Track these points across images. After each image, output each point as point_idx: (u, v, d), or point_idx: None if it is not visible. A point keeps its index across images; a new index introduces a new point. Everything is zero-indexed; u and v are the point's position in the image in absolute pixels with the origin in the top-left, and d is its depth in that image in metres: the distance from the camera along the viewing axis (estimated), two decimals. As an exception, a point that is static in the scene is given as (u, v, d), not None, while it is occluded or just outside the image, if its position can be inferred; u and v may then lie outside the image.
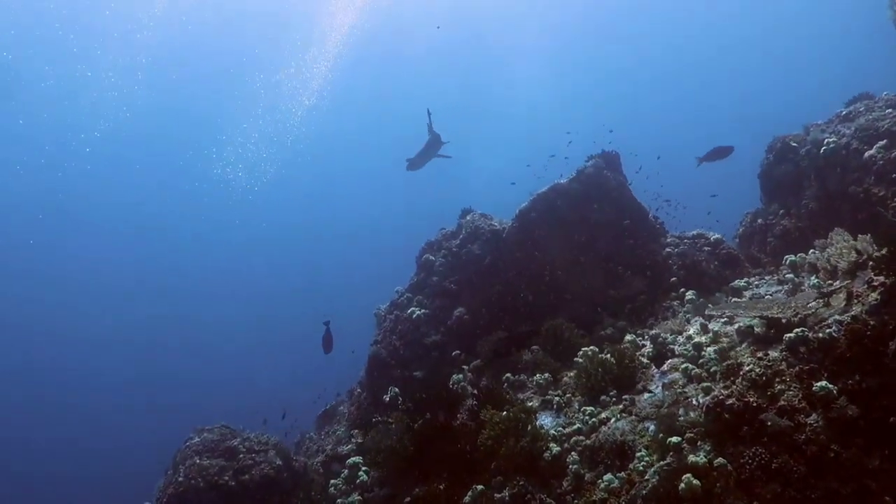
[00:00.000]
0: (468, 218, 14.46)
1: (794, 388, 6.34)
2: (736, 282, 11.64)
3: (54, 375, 52.93)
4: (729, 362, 7.05)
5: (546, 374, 9.76)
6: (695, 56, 66.88)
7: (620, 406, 8.08)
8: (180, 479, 11.21)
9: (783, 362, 6.70)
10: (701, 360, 7.95)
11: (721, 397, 6.46)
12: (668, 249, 13.22)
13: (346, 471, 10.40)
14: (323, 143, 62.23)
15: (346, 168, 68.16)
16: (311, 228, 68.06)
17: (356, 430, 12.38)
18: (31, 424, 47.29)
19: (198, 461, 11.55)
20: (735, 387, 6.53)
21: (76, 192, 61.25)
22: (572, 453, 7.69)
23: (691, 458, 6.24)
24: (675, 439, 6.48)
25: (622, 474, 6.83)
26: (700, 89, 70.74)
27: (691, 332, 9.58)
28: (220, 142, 50.99)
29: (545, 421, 8.80)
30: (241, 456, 11.86)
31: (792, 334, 6.86)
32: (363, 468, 10.19)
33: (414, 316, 13.38)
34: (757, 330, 7.95)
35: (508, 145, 67.03)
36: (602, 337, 11.41)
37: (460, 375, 11.52)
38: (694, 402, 7.17)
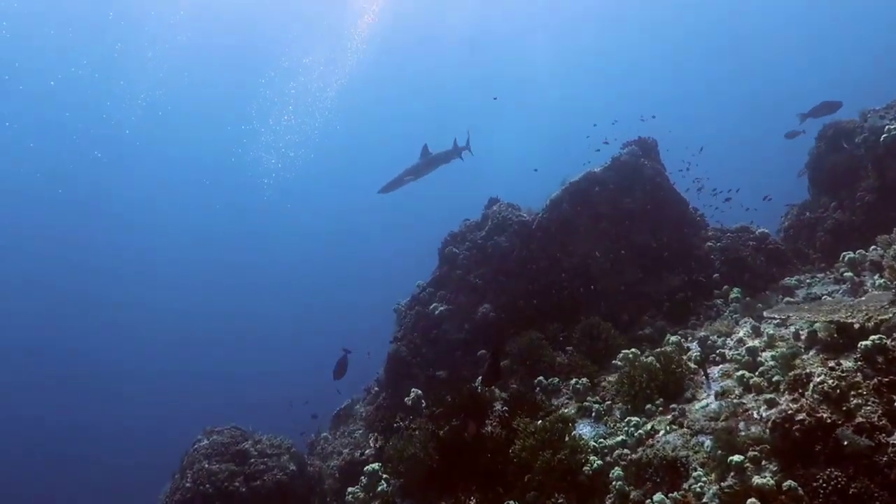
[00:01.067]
0: (495, 208, 13.94)
1: (873, 402, 5.80)
2: (786, 280, 11.08)
3: (74, 363, 52.91)
4: (796, 372, 6.49)
5: (583, 379, 9.23)
6: (723, 41, 65.47)
7: (669, 417, 7.55)
8: (188, 484, 10.83)
9: (858, 373, 6.15)
10: (761, 368, 7.39)
11: (790, 412, 5.92)
12: (709, 243, 12.67)
13: (364, 478, 9.94)
14: (350, 129, 62.42)
15: (369, 158, 67.82)
16: (333, 220, 68.04)
17: (375, 434, 11.93)
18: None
19: (206, 466, 11.16)
20: (805, 400, 5.99)
21: (104, 184, 61.55)
22: (616, 468, 7.17)
23: (756, 479, 5.72)
24: (736, 458, 5.96)
25: (675, 494, 6.31)
26: (725, 77, 69.58)
27: (741, 334, 9.06)
28: (250, 132, 51.31)
29: (584, 430, 8.29)
30: (253, 460, 11.46)
31: (868, 342, 6.31)
32: (384, 476, 9.74)
33: (436, 312, 12.90)
34: (821, 335, 7.41)
35: (531, 135, 66.60)
36: (640, 337, 10.93)
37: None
38: (755, 415, 6.63)
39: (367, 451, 11.77)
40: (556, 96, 65.03)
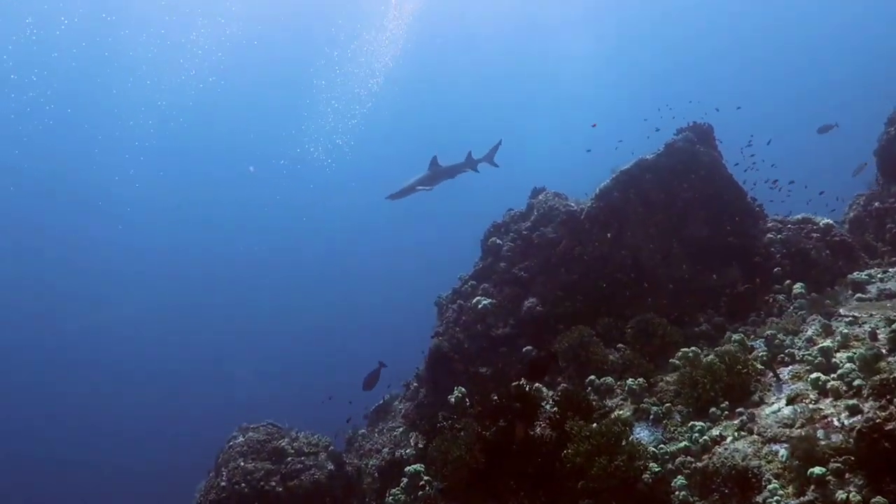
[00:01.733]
0: (540, 197, 13.55)
1: (973, 411, 5.34)
2: (855, 274, 10.49)
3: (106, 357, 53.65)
4: (882, 376, 6.03)
5: (640, 379, 8.82)
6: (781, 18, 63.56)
7: (736, 422, 7.12)
8: (223, 483, 10.67)
9: (955, 379, 5.69)
10: (839, 371, 6.91)
11: (878, 420, 5.47)
12: (769, 235, 12.14)
13: (405, 479, 9.66)
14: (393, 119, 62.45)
15: (410, 149, 67.81)
16: (368, 212, 68.03)
17: (416, 433, 11.64)
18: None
19: (242, 464, 10.99)
20: (894, 408, 5.54)
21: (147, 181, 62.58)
22: (679, 476, 6.78)
23: (840, 494, 5.31)
24: (817, 470, 5.53)
25: (747, 508, 5.92)
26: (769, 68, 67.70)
27: (810, 332, 8.55)
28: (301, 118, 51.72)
29: (641, 434, 7.90)
30: (290, 459, 11.26)
31: (963, 344, 5.83)
32: (425, 478, 9.45)
33: (479, 306, 12.57)
34: (905, 335, 6.92)
35: (568, 124, 65.74)
36: (696, 334, 10.50)
37: (533, 375, 10.71)
38: (835, 422, 6.18)
39: (408, 451, 11.48)
40: (592, 89, 63.84)
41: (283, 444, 11.69)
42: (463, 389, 10.47)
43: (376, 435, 15.66)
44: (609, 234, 12.13)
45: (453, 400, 10.39)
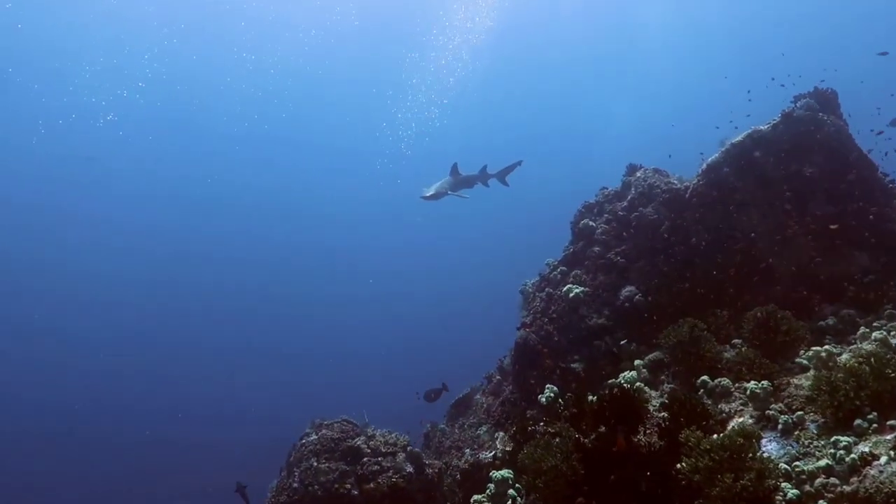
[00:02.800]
0: (638, 175, 12.59)
1: None
2: None
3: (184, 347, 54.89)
4: None
5: (764, 382, 7.86)
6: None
7: (890, 438, 6.15)
8: (295, 484, 10.23)
9: None
10: None
11: None
12: (905, 215, 10.91)
13: (491, 485, 8.99)
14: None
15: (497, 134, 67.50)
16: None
17: (503, 434, 10.97)
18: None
19: (315, 464, 10.51)
20: None
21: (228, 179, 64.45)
22: (821, 503, 5.88)
23: None
24: None
25: (915, 548, 4.99)
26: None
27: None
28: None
29: (769, 448, 6.98)
30: (366, 460, 10.73)
31: None
32: (515, 486, 8.76)
33: (571, 295, 11.75)
34: None
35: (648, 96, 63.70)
36: (821, 329, 9.46)
37: (633, 373, 9.87)
38: None
39: (492, 454, 10.81)
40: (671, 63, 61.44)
41: (359, 442, 11.18)
42: (555, 389, 9.73)
43: (457, 431, 15.10)
44: (718, 215, 11.12)
45: (544, 400, 9.66)
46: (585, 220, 12.77)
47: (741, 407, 8.02)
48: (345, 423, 11.81)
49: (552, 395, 9.53)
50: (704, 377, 8.61)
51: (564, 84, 64.78)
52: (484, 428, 13.03)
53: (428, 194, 16.92)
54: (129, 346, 51.93)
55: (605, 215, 12.63)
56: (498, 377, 15.25)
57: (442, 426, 15.68)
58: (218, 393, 48.70)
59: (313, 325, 57.73)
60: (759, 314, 9.15)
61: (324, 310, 59.63)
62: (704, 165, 11.62)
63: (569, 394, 9.68)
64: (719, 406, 8.20)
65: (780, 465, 6.45)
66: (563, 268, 12.69)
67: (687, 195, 11.68)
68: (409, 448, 11.56)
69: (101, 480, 39.52)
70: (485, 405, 15.01)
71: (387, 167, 58.08)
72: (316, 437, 11.32)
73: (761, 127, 11.45)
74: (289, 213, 67.70)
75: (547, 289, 12.54)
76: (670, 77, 61.36)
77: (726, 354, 9.07)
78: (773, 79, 14.06)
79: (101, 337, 52.81)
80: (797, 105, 11.64)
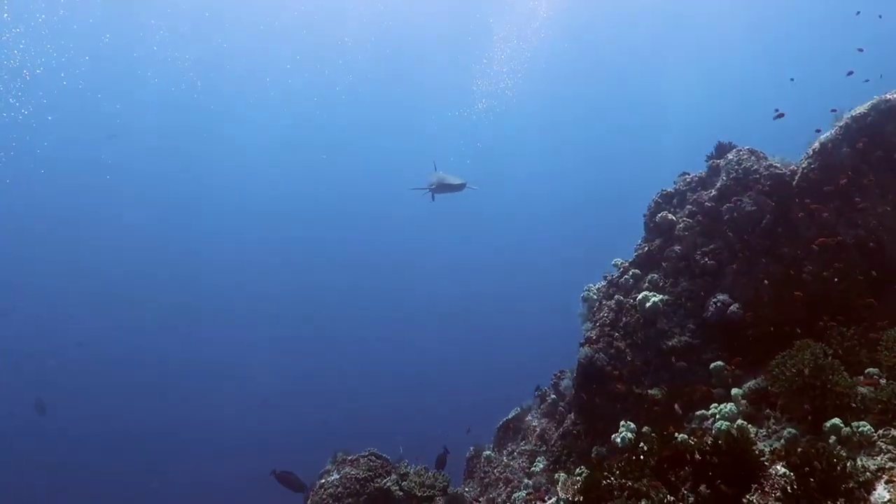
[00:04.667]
0: (730, 156, 10.80)
1: None
2: None
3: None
4: None
5: (925, 431, 6.14)
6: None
7: None
8: (311, 539, 8.71)
9: None
10: None
11: None
12: None
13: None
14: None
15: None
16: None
17: (563, 476, 9.34)
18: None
19: (336, 513, 9.00)
20: None
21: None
22: None
23: None
24: None
25: None
26: None
27: None
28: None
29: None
30: (398, 506, 9.19)
31: None
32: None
33: (647, 304, 10.08)
34: None
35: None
36: (977, 351, 7.68)
37: (731, 406, 8.19)
38: None
39: (551, 502, 9.20)
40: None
41: (389, 483, 9.71)
42: (632, 427, 8.12)
43: (505, 458, 13.61)
44: (836, 205, 9.35)
45: (620, 442, 8.06)
46: (664, 213, 11.05)
47: (891, 464, 6.31)
48: (372, 457, 10.33)
49: (630, 435, 7.92)
50: (835, 420, 6.90)
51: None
52: (540, 461, 11.43)
53: (432, 186, 18.40)
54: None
55: (688, 206, 10.90)
56: (553, 395, 13.69)
57: (488, 452, 14.16)
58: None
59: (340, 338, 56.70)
60: (901, 334, 7.40)
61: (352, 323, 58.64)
62: (817, 144, 9.84)
63: (652, 433, 8.06)
64: (859, 461, 6.49)
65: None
66: (636, 270, 11.01)
67: (794, 182, 9.91)
68: (448, 489, 10.04)
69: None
70: (538, 429, 13.50)
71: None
72: (338, 476, 9.85)
73: (889, 95, 9.62)
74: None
75: (616, 296, 10.89)
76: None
77: (862, 389, 7.33)
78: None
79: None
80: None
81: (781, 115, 12.55)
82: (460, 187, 18.04)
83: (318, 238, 66.43)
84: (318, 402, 47.14)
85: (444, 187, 18.29)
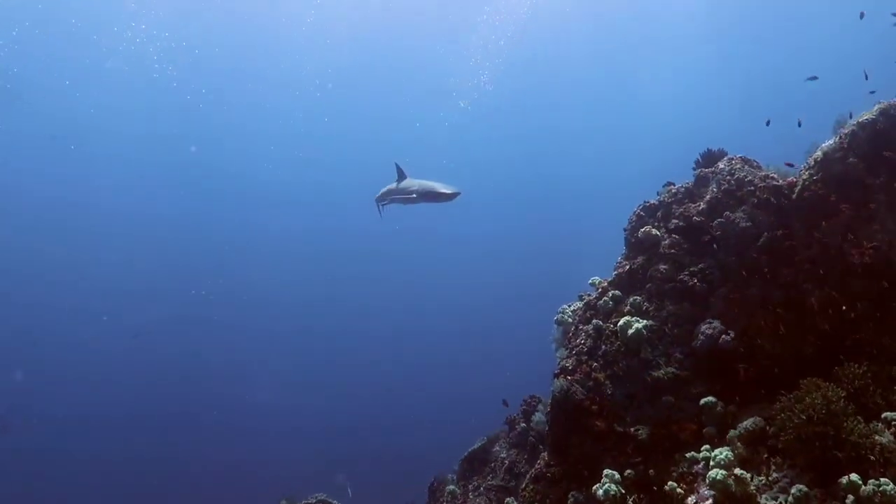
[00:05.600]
0: (721, 165, 9.98)
1: None
2: None
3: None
4: None
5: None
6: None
7: None
8: None
9: None
10: None
11: None
12: None
13: None
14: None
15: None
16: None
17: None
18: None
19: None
20: None
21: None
22: None
23: None
24: None
25: None
26: None
27: None
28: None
29: None
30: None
31: None
32: None
33: (630, 331, 9.22)
34: None
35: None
36: None
37: (726, 452, 7.31)
38: None
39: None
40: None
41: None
42: (617, 478, 7.23)
43: (471, 495, 12.82)
44: (841, 221, 8.59)
45: (602, 494, 7.16)
46: (647, 227, 10.19)
47: (923, 530, 5.50)
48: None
49: (616, 492, 7.04)
50: (854, 477, 6.07)
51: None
52: (510, 502, 10.59)
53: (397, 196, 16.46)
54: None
55: (674, 220, 10.06)
56: (522, 423, 12.89)
57: (452, 487, 13.32)
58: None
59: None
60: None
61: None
62: (819, 153, 9.06)
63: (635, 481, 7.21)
64: (885, 523, 5.68)
65: None
66: (616, 291, 10.14)
67: (794, 194, 9.13)
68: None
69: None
70: (507, 461, 12.72)
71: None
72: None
73: (897, 101, 8.90)
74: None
75: (595, 320, 10.01)
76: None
77: (880, 438, 6.51)
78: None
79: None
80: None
81: (815, 78, 12.01)
82: (451, 196, 15.08)
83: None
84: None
85: (429, 196, 15.54)
